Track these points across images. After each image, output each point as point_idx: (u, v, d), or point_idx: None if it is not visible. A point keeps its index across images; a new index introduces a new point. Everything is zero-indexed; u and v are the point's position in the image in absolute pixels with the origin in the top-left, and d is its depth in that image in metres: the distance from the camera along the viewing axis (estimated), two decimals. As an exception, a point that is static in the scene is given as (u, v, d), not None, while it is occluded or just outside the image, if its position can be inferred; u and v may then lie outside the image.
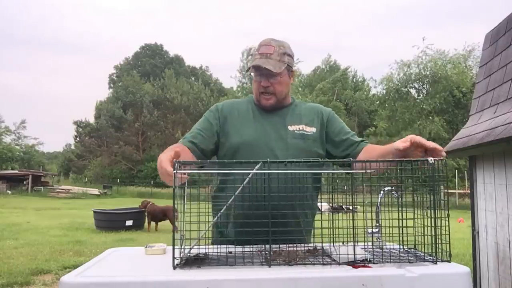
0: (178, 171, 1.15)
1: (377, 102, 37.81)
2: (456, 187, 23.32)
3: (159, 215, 10.59)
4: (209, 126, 1.74)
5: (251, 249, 1.33)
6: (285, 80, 1.75)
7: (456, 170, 24.50)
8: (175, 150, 1.32)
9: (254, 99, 1.81)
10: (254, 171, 1.22)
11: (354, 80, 44.25)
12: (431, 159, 1.24)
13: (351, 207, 1.20)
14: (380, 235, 1.35)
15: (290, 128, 1.73)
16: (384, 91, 33.35)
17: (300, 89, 39.82)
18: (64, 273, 4.73)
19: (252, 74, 1.75)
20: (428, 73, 30.33)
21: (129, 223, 10.33)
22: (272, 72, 1.66)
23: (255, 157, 1.34)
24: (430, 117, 30.24)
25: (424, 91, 31.93)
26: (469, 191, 3.99)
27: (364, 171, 1.20)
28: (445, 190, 1.25)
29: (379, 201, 1.33)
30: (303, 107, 1.85)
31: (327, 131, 1.78)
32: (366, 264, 1.19)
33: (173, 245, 1.16)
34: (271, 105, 1.74)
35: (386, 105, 33.07)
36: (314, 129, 1.75)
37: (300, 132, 1.73)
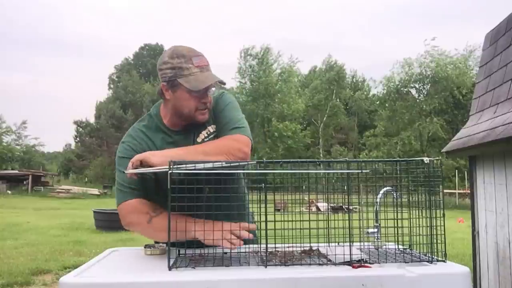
0: (173, 171, 1.14)
1: (377, 102, 37.82)
2: (456, 187, 23.32)
3: None
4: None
5: (246, 250, 1.34)
6: None
7: (456, 170, 24.50)
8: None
9: (182, 117, 1.56)
10: (250, 171, 1.22)
11: (354, 80, 44.24)
12: (426, 159, 1.24)
13: (350, 207, 1.20)
14: (379, 235, 1.35)
15: (199, 139, 1.58)
16: (384, 91, 33.37)
17: (299, 89, 39.84)
18: (64, 273, 4.73)
19: (184, 91, 1.49)
20: (429, 73, 30.36)
21: (129, 223, 10.31)
22: (218, 85, 1.54)
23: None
24: (429, 118, 30.27)
25: (425, 92, 31.95)
26: (469, 191, 3.99)
27: (360, 171, 1.19)
28: (441, 190, 1.25)
29: (378, 201, 1.34)
30: None
31: (215, 120, 1.62)
32: (364, 264, 1.19)
33: (169, 246, 1.16)
34: (205, 120, 1.57)
35: (387, 105, 33.09)
36: (213, 126, 1.60)
37: (208, 138, 1.59)
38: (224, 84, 1.57)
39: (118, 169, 1.52)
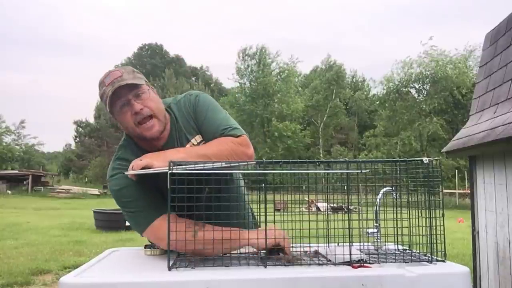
0: (173, 171, 1.14)
1: (377, 102, 37.84)
2: (456, 187, 23.31)
3: None
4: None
5: (246, 250, 1.34)
6: (154, 97, 1.46)
7: (456, 170, 24.50)
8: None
9: (134, 138, 1.49)
10: (250, 171, 1.22)
11: (354, 80, 44.25)
12: (425, 159, 1.24)
13: (350, 207, 1.20)
14: (379, 235, 1.36)
15: None
16: (384, 91, 33.39)
17: (300, 88, 39.83)
18: (64, 273, 4.73)
19: (115, 112, 1.43)
20: (428, 73, 30.38)
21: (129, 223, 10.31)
22: (136, 88, 1.40)
23: None
24: (429, 118, 30.27)
25: (424, 92, 31.97)
26: (469, 191, 3.99)
27: (360, 171, 1.19)
28: (441, 191, 1.25)
29: (378, 201, 1.34)
30: (177, 109, 1.54)
31: (201, 130, 1.52)
32: (364, 264, 1.19)
33: (168, 246, 1.16)
34: (158, 131, 1.43)
35: (387, 105, 33.10)
36: (199, 137, 1.51)
37: None
38: (136, 85, 1.41)
39: (122, 201, 1.42)
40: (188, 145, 1.50)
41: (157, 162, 1.26)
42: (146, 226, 1.37)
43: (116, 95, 1.38)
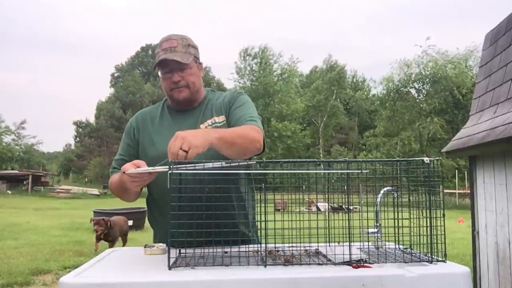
0: (173, 171, 1.14)
1: (377, 102, 37.83)
2: (456, 187, 23.30)
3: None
4: (128, 148, 1.73)
5: (246, 249, 1.33)
6: (195, 72, 1.68)
7: (456, 170, 24.49)
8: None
9: (168, 98, 1.74)
10: (252, 170, 1.22)
11: (354, 80, 44.25)
12: (426, 159, 1.24)
13: (350, 207, 1.20)
14: (379, 235, 1.35)
15: (202, 126, 1.65)
16: (384, 91, 33.37)
17: (300, 89, 39.82)
18: (64, 273, 4.72)
19: (159, 73, 1.67)
20: (428, 73, 30.34)
21: (129, 223, 10.31)
22: (181, 64, 1.60)
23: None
24: (429, 118, 30.24)
25: (424, 91, 31.95)
26: (469, 191, 3.99)
27: (360, 171, 1.19)
28: (441, 191, 1.25)
29: (378, 201, 1.33)
30: (216, 96, 1.76)
31: (229, 113, 1.68)
32: (364, 264, 1.19)
33: (169, 246, 1.16)
34: (184, 98, 1.65)
35: (387, 105, 33.08)
36: (223, 117, 1.67)
37: (210, 126, 1.65)
38: (185, 63, 1.61)
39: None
40: (209, 121, 1.67)
41: (194, 140, 1.27)
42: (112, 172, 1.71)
43: (164, 63, 1.60)
